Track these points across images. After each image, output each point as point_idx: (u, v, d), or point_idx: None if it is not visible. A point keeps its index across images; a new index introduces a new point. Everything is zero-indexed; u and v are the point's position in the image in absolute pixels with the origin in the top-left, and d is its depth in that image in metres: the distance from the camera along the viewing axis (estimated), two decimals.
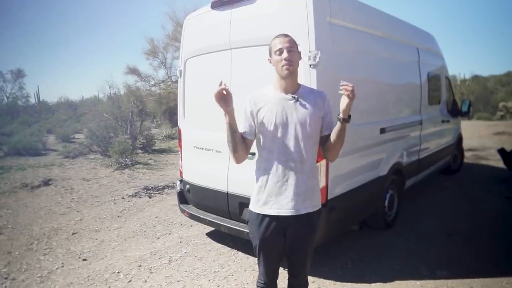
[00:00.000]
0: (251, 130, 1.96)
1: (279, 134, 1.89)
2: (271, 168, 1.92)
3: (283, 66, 1.86)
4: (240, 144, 1.91)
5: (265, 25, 3.05)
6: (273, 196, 1.92)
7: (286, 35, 1.91)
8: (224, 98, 1.80)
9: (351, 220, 3.65)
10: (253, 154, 2.11)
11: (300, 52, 1.95)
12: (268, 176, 1.93)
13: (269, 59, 1.96)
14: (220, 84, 1.78)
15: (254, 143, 2.02)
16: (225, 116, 1.83)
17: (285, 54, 1.85)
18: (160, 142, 12.91)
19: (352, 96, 1.78)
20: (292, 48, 1.87)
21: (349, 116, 1.87)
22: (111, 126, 11.12)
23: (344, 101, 1.82)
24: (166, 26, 16.77)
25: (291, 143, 1.89)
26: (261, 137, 1.95)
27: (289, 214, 1.91)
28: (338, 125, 1.89)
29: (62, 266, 3.51)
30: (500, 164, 7.02)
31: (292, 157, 1.89)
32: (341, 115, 1.85)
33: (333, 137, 1.93)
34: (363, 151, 3.59)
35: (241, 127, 1.96)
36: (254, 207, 1.99)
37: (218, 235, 4.07)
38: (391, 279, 3.15)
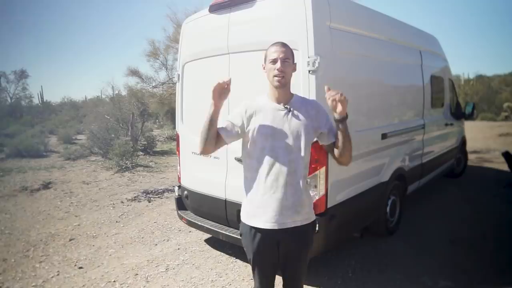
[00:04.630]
0: (228, 130, 1.87)
1: (269, 145, 1.83)
2: (259, 180, 1.86)
3: (274, 77, 1.81)
4: (212, 139, 1.83)
5: (264, 29, 2.99)
6: (261, 209, 1.87)
7: (283, 45, 1.84)
8: (222, 92, 1.78)
9: (351, 228, 3.57)
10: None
11: (295, 64, 1.89)
12: (256, 188, 1.88)
13: (263, 65, 1.91)
14: (227, 82, 1.79)
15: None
16: (211, 107, 1.78)
17: (278, 65, 1.79)
18: (161, 144, 12.89)
19: (341, 101, 1.72)
20: (287, 59, 1.81)
21: (346, 116, 1.79)
22: (112, 127, 11.11)
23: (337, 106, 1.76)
24: (167, 28, 16.70)
25: (280, 155, 1.83)
26: (251, 147, 1.89)
27: (276, 227, 1.85)
28: (338, 128, 1.83)
29: (58, 275, 3.45)
30: (504, 167, 6.90)
31: (281, 169, 1.83)
32: (336, 117, 1.79)
33: (338, 141, 1.86)
34: (364, 157, 3.52)
35: (223, 123, 1.88)
36: (245, 218, 1.95)
37: (217, 242, 4.01)
38: None
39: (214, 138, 1.83)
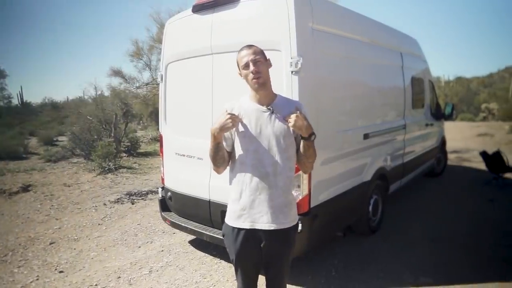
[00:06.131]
0: (227, 142, 1.92)
1: (253, 147, 1.84)
2: (244, 182, 1.87)
3: (252, 80, 1.81)
4: (224, 159, 1.92)
5: (247, 30, 3.00)
6: (246, 210, 1.87)
7: (250, 46, 1.86)
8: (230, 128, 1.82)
9: (335, 227, 3.61)
10: None
11: (269, 59, 1.89)
12: (241, 190, 1.88)
13: (238, 73, 1.91)
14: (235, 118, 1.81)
15: None
16: (215, 139, 1.83)
17: (251, 67, 1.80)
18: (145, 145, 12.72)
19: (296, 123, 1.76)
20: (258, 59, 1.82)
21: (311, 134, 1.82)
22: (95, 128, 10.90)
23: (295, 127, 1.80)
24: (151, 28, 16.51)
25: (265, 157, 1.84)
26: (235, 149, 1.91)
27: (263, 228, 1.86)
28: (302, 142, 1.87)
29: (37, 279, 3.37)
30: (482, 166, 7.11)
31: (266, 171, 1.84)
32: (303, 135, 1.83)
33: (301, 152, 1.90)
34: (347, 157, 3.57)
35: None
36: (229, 220, 1.95)
37: (201, 243, 3.99)
38: (375, 287, 3.13)
39: (225, 156, 1.91)
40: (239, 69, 1.88)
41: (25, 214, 5.37)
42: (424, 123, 5.84)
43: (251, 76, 1.81)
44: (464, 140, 12.40)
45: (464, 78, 27.55)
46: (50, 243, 4.22)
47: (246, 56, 1.82)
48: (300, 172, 2.88)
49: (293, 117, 1.76)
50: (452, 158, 8.80)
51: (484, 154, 6.72)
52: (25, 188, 6.75)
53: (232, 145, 1.92)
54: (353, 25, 3.79)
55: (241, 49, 1.87)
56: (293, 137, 1.90)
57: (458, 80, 27.15)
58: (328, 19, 3.29)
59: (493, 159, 6.59)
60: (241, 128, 1.86)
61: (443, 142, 7.20)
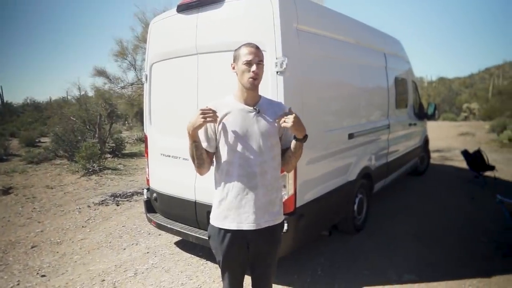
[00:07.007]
0: (211, 143, 1.90)
1: (239, 147, 1.84)
2: (231, 181, 1.86)
3: (249, 79, 1.80)
4: (205, 159, 1.89)
5: (232, 30, 2.99)
6: (233, 210, 1.87)
7: (257, 47, 1.85)
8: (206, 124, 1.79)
9: (320, 227, 3.64)
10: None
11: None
12: (228, 190, 1.87)
13: (232, 65, 1.89)
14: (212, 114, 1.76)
15: None
16: (191, 137, 1.80)
17: (254, 68, 1.79)
18: (130, 146, 12.57)
19: (295, 125, 1.76)
20: (261, 62, 1.83)
21: (306, 136, 1.85)
22: (78, 129, 10.70)
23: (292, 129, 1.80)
24: (136, 27, 16.29)
25: (251, 156, 1.84)
26: (221, 149, 1.89)
27: (250, 228, 1.86)
28: (294, 143, 1.88)
29: (18, 284, 3.29)
30: (464, 164, 7.28)
31: (252, 170, 1.84)
32: (298, 136, 1.84)
33: (290, 152, 1.92)
34: (332, 157, 3.60)
35: (200, 136, 1.89)
36: (215, 221, 1.94)
37: (187, 244, 3.96)
38: (359, 285, 3.17)
39: (206, 157, 1.88)
40: (236, 62, 1.85)
41: (6, 217, 5.23)
42: (408, 123, 5.95)
43: (250, 74, 1.79)
44: (447, 139, 12.67)
45: (446, 79, 28.31)
46: (32, 247, 4.12)
47: (252, 55, 1.79)
48: (286, 172, 2.91)
49: (290, 119, 1.75)
50: (435, 157, 8.99)
51: (465, 153, 6.87)
52: (6, 191, 6.58)
53: (216, 146, 1.91)
54: (337, 26, 3.83)
55: (248, 45, 1.83)
56: (278, 136, 1.91)
57: (440, 80, 27.82)
58: (312, 19, 3.31)
59: (474, 158, 6.76)
60: (227, 128, 1.85)
61: (426, 142, 7.34)
